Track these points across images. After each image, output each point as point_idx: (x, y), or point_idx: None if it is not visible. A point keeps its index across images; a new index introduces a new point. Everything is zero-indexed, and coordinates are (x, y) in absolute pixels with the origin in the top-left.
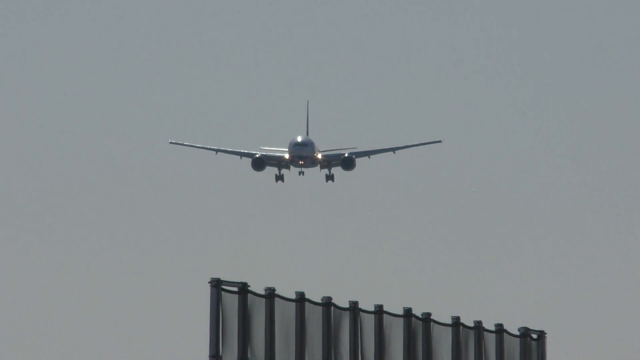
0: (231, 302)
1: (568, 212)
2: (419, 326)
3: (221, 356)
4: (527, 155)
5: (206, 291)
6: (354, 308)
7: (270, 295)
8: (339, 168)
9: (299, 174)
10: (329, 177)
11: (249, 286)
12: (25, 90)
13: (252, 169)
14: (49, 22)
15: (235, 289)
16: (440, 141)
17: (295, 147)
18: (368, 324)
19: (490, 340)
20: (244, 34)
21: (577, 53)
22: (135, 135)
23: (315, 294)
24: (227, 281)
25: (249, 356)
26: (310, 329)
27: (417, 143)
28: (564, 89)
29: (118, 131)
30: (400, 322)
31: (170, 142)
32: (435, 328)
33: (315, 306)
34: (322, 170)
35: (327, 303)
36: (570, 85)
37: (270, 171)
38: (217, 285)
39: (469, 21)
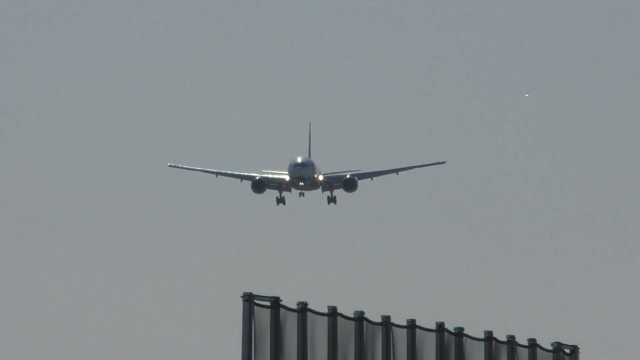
0: (263, 317)
1: (590, 228)
2: (451, 341)
3: None
4: (535, 174)
5: (238, 306)
6: (386, 322)
7: (303, 309)
8: (341, 190)
9: (300, 195)
10: (331, 199)
11: (281, 300)
12: (25, 116)
13: (252, 191)
14: (47, 45)
15: (267, 303)
16: (444, 162)
17: (295, 168)
18: (400, 338)
19: (523, 355)
20: (244, 54)
21: (583, 77)
22: (133, 158)
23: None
24: (259, 295)
25: None
26: (341, 343)
27: (421, 164)
28: (571, 111)
29: (117, 154)
30: (432, 336)
31: (170, 165)
32: (467, 342)
33: (348, 320)
34: (324, 192)
35: (359, 317)
36: (578, 108)
37: (271, 194)
38: (249, 299)
39: (474, 44)
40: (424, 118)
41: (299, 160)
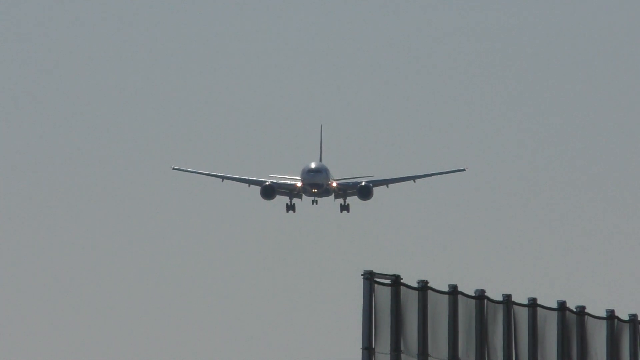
0: (384, 295)
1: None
2: (573, 320)
3: (374, 348)
4: (560, 182)
5: (359, 284)
6: (507, 301)
7: (423, 287)
8: (355, 197)
9: (312, 203)
10: (344, 207)
11: (402, 278)
12: (30, 119)
13: (261, 197)
14: (52, 48)
15: (388, 281)
16: (464, 169)
17: (308, 174)
18: (522, 317)
19: None
20: (254, 54)
21: (600, 85)
22: (136, 160)
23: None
24: (379, 273)
25: (402, 349)
26: (461, 322)
27: (440, 171)
28: (590, 118)
29: (120, 155)
30: (554, 315)
31: (173, 168)
32: (589, 321)
33: (468, 299)
34: (336, 199)
35: (480, 296)
36: (597, 116)
37: (281, 200)
38: (370, 277)
39: (493, 50)
40: (442, 122)
41: (313, 165)
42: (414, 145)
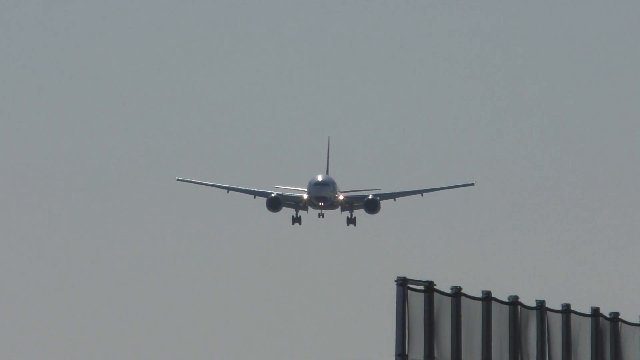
0: (417, 301)
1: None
2: (606, 326)
3: (407, 355)
4: (569, 196)
5: (392, 290)
6: (540, 307)
7: (457, 294)
8: (362, 211)
9: (319, 217)
10: (351, 221)
11: (435, 285)
12: (33, 130)
13: (266, 209)
14: (53, 59)
15: (421, 287)
16: (472, 184)
17: (314, 186)
18: (555, 323)
19: None
20: (260, 65)
21: (604, 100)
22: (139, 171)
23: None
24: (413, 280)
25: (435, 355)
26: (496, 328)
27: (448, 186)
28: (597, 131)
29: (125, 167)
30: (587, 321)
31: (178, 179)
32: (623, 328)
33: (502, 305)
34: (342, 212)
35: (513, 302)
36: (605, 128)
37: (287, 212)
38: (403, 283)
39: (503, 66)
40: (451, 135)
41: (319, 178)
42: (422, 159)
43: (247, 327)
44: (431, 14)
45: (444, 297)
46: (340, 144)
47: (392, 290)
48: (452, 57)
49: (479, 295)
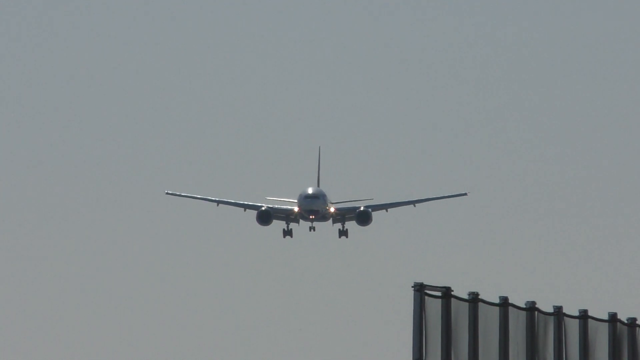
0: (434, 307)
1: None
2: (624, 331)
3: None
4: (564, 205)
5: (409, 296)
6: (558, 313)
7: (474, 300)
8: (354, 222)
9: (310, 230)
10: (342, 233)
11: (452, 290)
12: (23, 140)
13: (257, 222)
14: (43, 66)
15: (438, 293)
16: (465, 194)
17: (305, 200)
18: (572, 329)
19: None
20: (250, 76)
21: (599, 109)
22: (128, 185)
23: None
24: (430, 285)
25: None
26: (513, 334)
27: (441, 196)
28: (592, 140)
29: (113, 181)
30: (605, 327)
31: (167, 193)
32: None
33: (519, 311)
34: (334, 224)
35: (530, 308)
36: (599, 138)
37: (278, 225)
38: (420, 289)
39: (496, 75)
40: (444, 145)
41: (310, 191)
42: (415, 169)
43: (240, 341)
44: (422, 27)
45: (461, 303)
46: (331, 154)
47: (386, 300)
48: (444, 68)
49: (495, 301)
